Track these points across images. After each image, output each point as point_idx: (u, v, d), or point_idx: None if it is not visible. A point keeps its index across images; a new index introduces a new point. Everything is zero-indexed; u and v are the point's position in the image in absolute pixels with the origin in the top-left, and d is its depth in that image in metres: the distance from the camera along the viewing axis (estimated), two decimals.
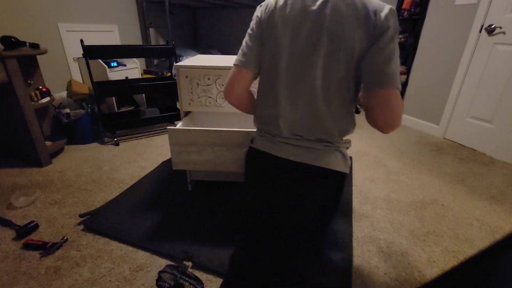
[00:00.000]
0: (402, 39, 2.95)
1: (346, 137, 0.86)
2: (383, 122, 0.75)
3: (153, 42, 3.50)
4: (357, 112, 0.91)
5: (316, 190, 0.84)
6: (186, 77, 1.39)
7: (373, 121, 0.77)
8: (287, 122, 0.82)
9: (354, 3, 0.71)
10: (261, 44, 0.84)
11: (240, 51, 0.87)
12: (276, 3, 0.79)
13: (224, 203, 1.54)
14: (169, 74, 2.99)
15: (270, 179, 0.88)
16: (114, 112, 2.65)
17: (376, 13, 0.69)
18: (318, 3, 0.73)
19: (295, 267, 0.94)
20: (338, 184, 0.85)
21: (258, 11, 0.84)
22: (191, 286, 1.02)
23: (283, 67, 0.78)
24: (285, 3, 0.77)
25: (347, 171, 0.84)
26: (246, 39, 0.87)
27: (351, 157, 0.87)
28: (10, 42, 1.67)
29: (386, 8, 0.71)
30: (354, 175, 1.87)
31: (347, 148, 0.88)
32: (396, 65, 0.70)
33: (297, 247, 0.95)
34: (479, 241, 1.33)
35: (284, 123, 0.82)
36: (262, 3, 0.84)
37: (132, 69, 2.83)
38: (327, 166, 0.80)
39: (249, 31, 0.87)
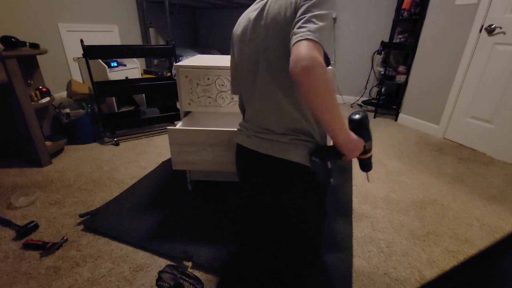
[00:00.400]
0: (402, 39, 2.96)
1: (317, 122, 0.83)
2: (290, 66, 0.67)
3: (153, 42, 3.50)
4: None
5: (283, 182, 0.85)
6: (186, 77, 1.39)
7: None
8: (257, 117, 0.87)
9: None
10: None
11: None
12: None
13: (224, 203, 1.54)
14: (169, 74, 2.99)
15: (246, 172, 0.94)
16: (114, 112, 2.65)
17: None
18: (257, 9, 0.84)
19: (285, 265, 0.95)
20: (305, 177, 0.84)
21: None
22: (191, 286, 1.02)
23: (243, 70, 0.88)
24: (239, 22, 0.93)
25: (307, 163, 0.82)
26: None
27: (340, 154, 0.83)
28: (10, 42, 1.67)
29: None
30: (354, 175, 1.87)
31: (322, 143, 0.86)
32: (312, 23, 0.68)
33: (284, 245, 0.96)
34: (479, 241, 1.33)
35: (255, 118, 0.88)
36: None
37: (132, 69, 2.83)
38: (290, 159, 0.80)
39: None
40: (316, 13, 0.70)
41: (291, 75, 0.67)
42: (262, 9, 0.81)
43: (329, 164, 0.88)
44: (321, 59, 0.66)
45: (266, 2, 0.81)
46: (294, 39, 0.68)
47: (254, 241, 1.03)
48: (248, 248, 1.05)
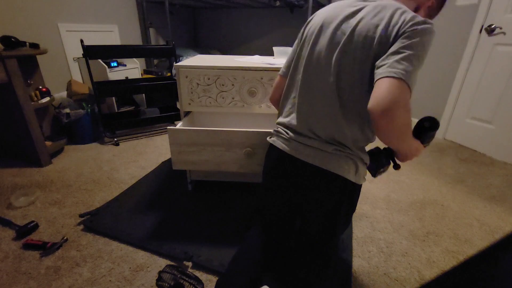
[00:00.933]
0: None
1: (359, 147, 0.82)
2: (370, 103, 0.66)
3: (153, 42, 3.50)
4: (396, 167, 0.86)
5: (319, 193, 0.83)
6: (186, 77, 1.39)
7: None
8: (306, 119, 0.83)
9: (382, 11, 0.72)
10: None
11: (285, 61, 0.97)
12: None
13: (224, 203, 1.54)
14: (169, 74, 2.99)
15: (279, 175, 0.89)
16: (114, 112, 2.65)
17: (402, 17, 0.69)
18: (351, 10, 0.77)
19: (300, 272, 0.94)
20: (342, 190, 0.82)
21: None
22: (191, 286, 1.02)
23: (304, 62, 0.82)
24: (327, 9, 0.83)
25: (354, 180, 0.80)
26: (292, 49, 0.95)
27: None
28: (10, 42, 1.67)
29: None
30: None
31: (362, 160, 0.82)
32: (410, 64, 0.65)
33: (304, 250, 0.95)
34: (479, 241, 1.33)
35: (302, 119, 0.83)
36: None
37: (132, 69, 2.83)
38: (332, 170, 0.77)
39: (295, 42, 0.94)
40: (417, 53, 0.65)
41: (369, 111, 0.65)
42: (357, 11, 0.75)
43: (378, 172, 0.87)
44: (407, 103, 0.63)
45: (364, 7, 0.75)
46: (384, 72, 0.64)
47: (271, 238, 1.01)
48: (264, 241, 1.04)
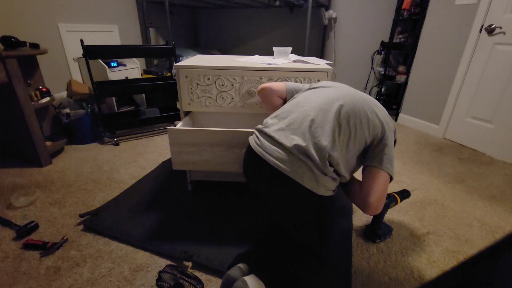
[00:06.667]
0: (402, 39, 2.96)
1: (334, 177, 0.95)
2: (360, 195, 0.97)
3: (153, 42, 3.50)
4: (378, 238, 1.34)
5: (293, 199, 0.93)
6: (186, 77, 1.39)
7: (355, 195, 1.02)
8: (299, 125, 0.95)
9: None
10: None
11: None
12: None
13: (224, 203, 1.54)
14: (169, 74, 2.99)
15: (255, 175, 1.00)
16: (114, 112, 2.65)
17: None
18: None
19: (293, 267, 0.95)
20: (313, 200, 0.92)
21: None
22: (191, 286, 1.02)
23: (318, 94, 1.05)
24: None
25: (323, 193, 0.91)
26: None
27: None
28: (10, 42, 1.67)
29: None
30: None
31: (333, 187, 0.95)
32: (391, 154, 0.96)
33: (295, 248, 0.97)
34: (479, 241, 1.33)
35: (294, 123, 0.96)
36: None
37: (132, 69, 2.83)
38: (302, 183, 0.87)
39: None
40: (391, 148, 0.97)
41: (360, 203, 0.97)
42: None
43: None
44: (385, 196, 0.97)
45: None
46: (378, 160, 0.94)
47: (271, 235, 1.13)
48: (263, 240, 1.14)
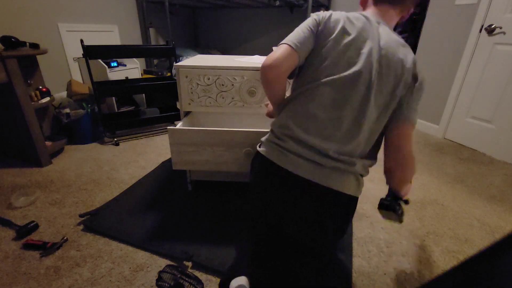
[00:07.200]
0: (402, 39, 2.95)
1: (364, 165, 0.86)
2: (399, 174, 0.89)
3: (153, 42, 3.50)
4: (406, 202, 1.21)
5: (323, 210, 0.81)
6: (186, 77, 1.39)
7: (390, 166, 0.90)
8: (317, 126, 0.80)
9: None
10: (313, 42, 0.85)
11: (295, 35, 0.85)
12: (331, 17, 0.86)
13: (224, 203, 1.54)
14: (169, 74, 2.99)
15: (275, 190, 0.85)
16: (114, 112, 2.65)
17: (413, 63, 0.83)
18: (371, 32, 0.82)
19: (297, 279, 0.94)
20: (348, 206, 0.83)
21: (316, 16, 0.88)
22: (191, 286, 1.02)
23: (331, 76, 0.81)
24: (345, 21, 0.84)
25: (358, 194, 0.82)
26: (303, 29, 0.86)
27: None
28: (10, 42, 1.66)
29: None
30: None
31: (363, 175, 0.87)
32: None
33: (302, 262, 0.95)
34: (479, 241, 1.33)
35: (314, 125, 0.80)
36: (319, 13, 0.88)
37: (132, 69, 2.83)
38: (337, 188, 0.77)
39: (306, 26, 0.86)
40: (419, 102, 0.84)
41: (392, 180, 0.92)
42: (376, 39, 0.81)
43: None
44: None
45: (378, 33, 0.82)
46: (406, 118, 0.82)
47: (264, 249, 1.02)
48: (257, 254, 1.05)
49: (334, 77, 0.79)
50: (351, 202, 0.83)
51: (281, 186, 0.83)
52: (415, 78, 0.80)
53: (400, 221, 1.10)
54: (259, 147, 0.92)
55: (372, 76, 0.77)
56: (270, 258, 1.00)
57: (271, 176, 0.84)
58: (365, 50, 0.78)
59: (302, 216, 0.83)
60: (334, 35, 0.81)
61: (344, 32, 0.82)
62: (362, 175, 0.85)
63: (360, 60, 0.78)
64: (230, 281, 0.91)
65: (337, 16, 0.85)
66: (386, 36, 0.81)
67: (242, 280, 0.90)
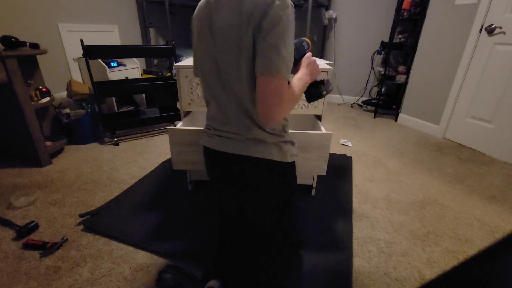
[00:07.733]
0: (402, 39, 2.96)
1: (273, 131, 0.82)
2: (259, 111, 0.71)
3: (153, 42, 3.50)
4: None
5: (253, 179, 0.85)
6: (186, 77, 1.39)
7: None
8: (217, 116, 0.85)
9: None
10: None
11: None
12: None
13: None
14: (169, 74, 2.99)
15: (215, 172, 0.92)
16: (114, 112, 2.65)
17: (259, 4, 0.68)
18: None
19: (261, 259, 0.96)
20: (274, 172, 0.84)
21: None
22: (191, 286, 1.02)
23: (204, 58, 0.87)
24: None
25: (284, 159, 0.83)
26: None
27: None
28: (10, 42, 1.66)
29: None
30: (354, 175, 1.87)
31: (284, 141, 0.84)
32: (280, 52, 0.66)
33: (258, 238, 0.97)
34: (479, 241, 1.33)
35: (216, 116, 0.85)
36: None
37: (132, 69, 2.83)
38: (257, 155, 0.80)
39: None
40: (282, 42, 0.67)
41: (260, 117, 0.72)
42: (208, 8, 0.81)
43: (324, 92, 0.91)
44: (283, 104, 0.69)
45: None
46: (261, 68, 0.67)
47: (227, 236, 1.05)
48: (222, 244, 1.06)
49: None
50: (273, 167, 0.83)
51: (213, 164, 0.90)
52: None
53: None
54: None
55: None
56: (228, 236, 1.04)
57: (206, 157, 0.92)
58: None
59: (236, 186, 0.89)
60: None
61: None
62: (268, 140, 0.82)
63: None
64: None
65: None
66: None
67: (214, 283, 0.94)
